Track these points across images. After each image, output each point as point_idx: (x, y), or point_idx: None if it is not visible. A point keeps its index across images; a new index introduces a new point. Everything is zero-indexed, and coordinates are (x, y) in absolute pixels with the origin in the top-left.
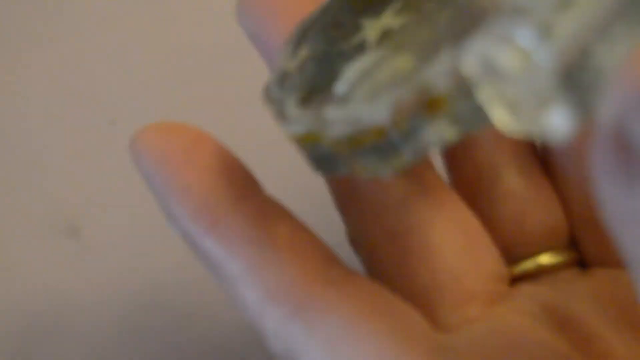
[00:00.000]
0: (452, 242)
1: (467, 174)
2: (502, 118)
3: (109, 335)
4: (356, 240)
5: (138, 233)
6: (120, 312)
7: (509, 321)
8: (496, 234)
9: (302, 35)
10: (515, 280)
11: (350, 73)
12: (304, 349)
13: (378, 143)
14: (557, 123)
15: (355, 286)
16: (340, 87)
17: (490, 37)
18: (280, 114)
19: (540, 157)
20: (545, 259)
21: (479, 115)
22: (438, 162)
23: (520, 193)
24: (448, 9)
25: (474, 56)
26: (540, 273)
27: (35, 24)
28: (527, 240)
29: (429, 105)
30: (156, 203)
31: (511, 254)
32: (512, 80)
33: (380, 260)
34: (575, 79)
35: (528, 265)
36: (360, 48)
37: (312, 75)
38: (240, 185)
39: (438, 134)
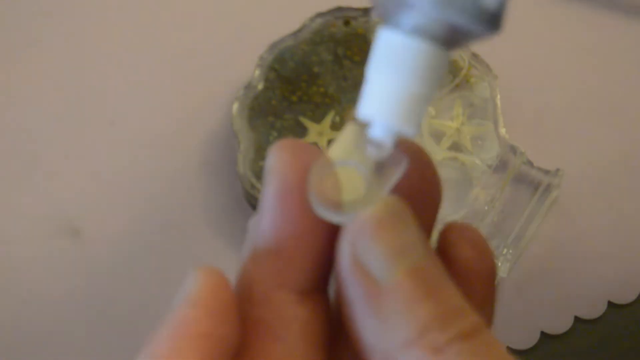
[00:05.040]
0: None
1: None
2: None
3: (109, 335)
4: None
5: (138, 233)
6: (120, 312)
7: None
8: None
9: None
10: None
11: None
12: None
13: None
14: None
15: None
16: None
17: None
18: None
19: None
20: None
21: None
22: None
23: None
24: None
25: None
26: None
27: (35, 24)
28: None
29: None
30: (155, 203)
31: None
32: None
33: None
34: None
35: None
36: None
37: None
38: None
39: None
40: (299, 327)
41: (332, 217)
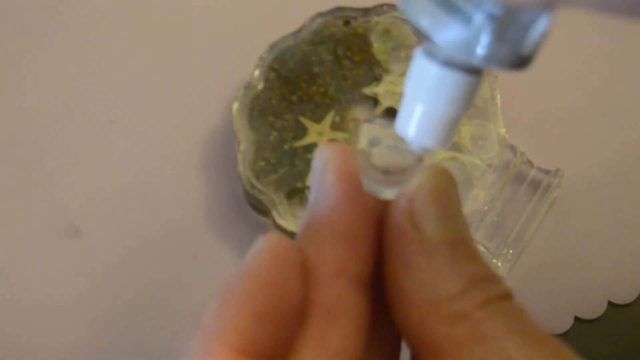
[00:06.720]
0: None
1: None
2: None
3: (109, 335)
4: None
5: (138, 233)
6: (121, 312)
7: None
8: None
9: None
10: None
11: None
12: None
13: None
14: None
15: None
16: None
17: None
18: None
19: None
20: None
21: None
22: None
23: None
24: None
25: None
26: None
27: (35, 24)
28: None
29: None
30: (155, 203)
31: None
32: None
33: None
34: None
35: None
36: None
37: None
38: None
39: None
40: (356, 317)
41: (382, 193)
